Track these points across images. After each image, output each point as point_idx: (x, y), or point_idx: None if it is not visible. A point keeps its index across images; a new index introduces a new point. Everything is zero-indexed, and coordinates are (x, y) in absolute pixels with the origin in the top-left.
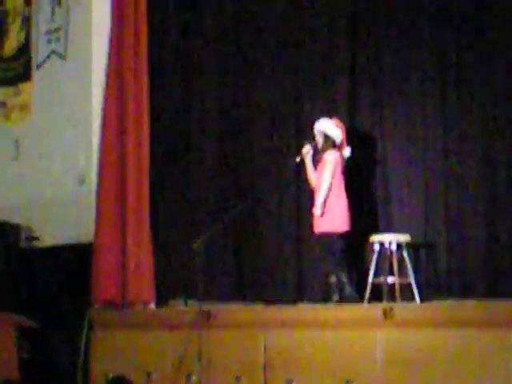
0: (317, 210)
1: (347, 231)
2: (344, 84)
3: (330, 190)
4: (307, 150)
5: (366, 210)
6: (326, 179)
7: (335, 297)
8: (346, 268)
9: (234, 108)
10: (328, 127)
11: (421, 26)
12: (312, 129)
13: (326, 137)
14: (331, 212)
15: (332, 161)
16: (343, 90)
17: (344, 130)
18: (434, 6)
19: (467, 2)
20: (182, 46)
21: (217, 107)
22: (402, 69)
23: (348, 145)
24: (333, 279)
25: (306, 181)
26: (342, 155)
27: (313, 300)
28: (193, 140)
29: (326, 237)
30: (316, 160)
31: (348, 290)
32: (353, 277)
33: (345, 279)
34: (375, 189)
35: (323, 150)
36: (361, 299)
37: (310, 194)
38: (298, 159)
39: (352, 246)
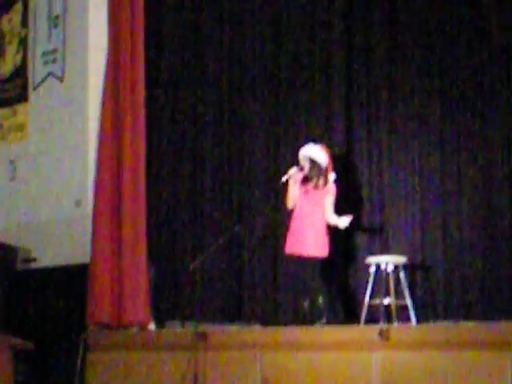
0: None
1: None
2: (339, 107)
3: (314, 212)
4: (294, 171)
5: (362, 232)
6: (331, 211)
7: (324, 319)
8: (324, 292)
9: (229, 127)
10: (315, 152)
11: (414, 41)
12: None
13: (312, 162)
14: (322, 235)
15: (334, 193)
16: (339, 109)
17: (328, 154)
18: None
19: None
20: (179, 65)
21: (213, 124)
22: (397, 89)
23: (333, 170)
24: (320, 301)
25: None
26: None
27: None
28: (190, 159)
29: (310, 260)
30: (304, 186)
31: (325, 314)
32: (347, 298)
33: (321, 302)
34: (372, 210)
35: (311, 175)
36: (353, 321)
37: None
38: (284, 179)
39: (347, 268)
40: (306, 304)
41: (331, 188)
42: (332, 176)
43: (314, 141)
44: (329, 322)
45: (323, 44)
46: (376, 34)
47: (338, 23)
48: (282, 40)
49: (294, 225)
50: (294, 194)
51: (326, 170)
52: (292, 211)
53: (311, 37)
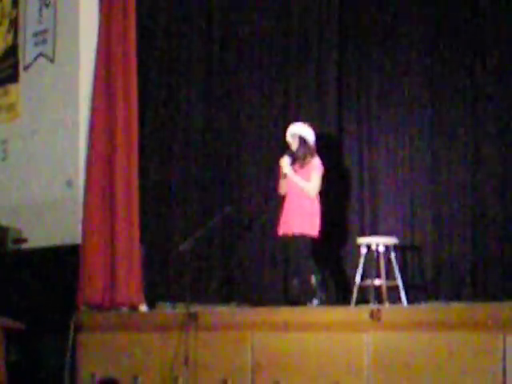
0: (312, 193)
1: (317, 236)
2: (331, 90)
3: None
4: (287, 162)
5: (353, 213)
6: (314, 184)
7: (316, 300)
8: (318, 271)
9: (220, 109)
10: (304, 131)
11: (408, 34)
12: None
13: (301, 140)
14: (305, 216)
15: (320, 168)
16: (331, 94)
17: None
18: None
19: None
20: (171, 45)
21: (204, 108)
22: (389, 75)
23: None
24: (313, 280)
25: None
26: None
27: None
28: (181, 141)
29: (299, 239)
30: (294, 165)
31: (317, 293)
32: (338, 279)
33: (314, 282)
34: (362, 191)
35: (299, 153)
36: (343, 302)
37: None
38: (286, 170)
39: (338, 249)
40: (295, 282)
41: (316, 164)
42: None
43: (304, 121)
44: (321, 303)
45: (315, 25)
46: (368, 16)
47: (332, 3)
48: (274, 22)
49: (285, 205)
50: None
51: (313, 149)
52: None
53: (303, 18)
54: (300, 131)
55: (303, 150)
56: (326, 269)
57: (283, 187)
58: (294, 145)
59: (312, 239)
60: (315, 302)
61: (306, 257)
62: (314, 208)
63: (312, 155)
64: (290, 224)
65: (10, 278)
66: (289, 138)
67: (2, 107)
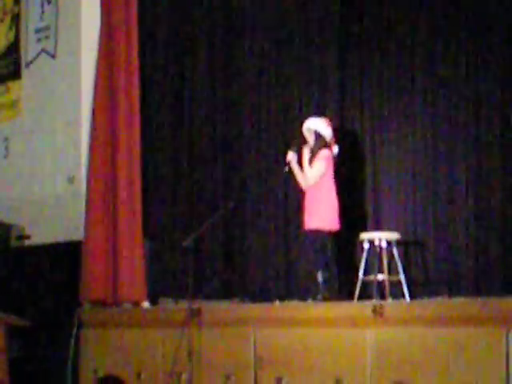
0: (310, 180)
1: (337, 230)
2: (333, 82)
3: (320, 186)
4: (291, 156)
5: (355, 208)
6: (316, 171)
7: (320, 295)
8: (331, 267)
9: (224, 104)
10: (320, 126)
11: (412, 25)
12: (301, 128)
13: (317, 135)
14: (323, 209)
15: (325, 156)
16: (333, 89)
17: (331, 127)
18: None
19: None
20: (173, 40)
21: (207, 101)
22: (391, 66)
23: (336, 143)
24: (320, 276)
25: (295, 183)
26: (332, 154)
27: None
28: (184, 136)
29: (316, 234)
30: (309, 159)
31: (321, 290)
32: (341, 275)
33: (321, 278)
34: (365, 187)
35: (315, 149)
36: (346, 297)
37: (300, 192)
38: (286, 169)
39: (342, 245)
40: (319, 277)
41: (323, 154)
42: (335, 149)
43: (313, 114)
44: (324, 299)
45: (316, 16)
46: (370, 8)
47: None
48: (274, 13)
49: (305, 201)
50: (301, 174)
51: (330, 144)
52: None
53: (303, 10)
54: (316, 127)
55: (318, 144)
56: (330, 264)
57: (302, 181)
58: (310, 139)
59: (330, 234)
60: (319, 297)
61: (320, 252)
62: (331, 202)
63: (319, 147)
64: (310, 219)
65: (14, 275)
66: (305, 132)
67: (3, 105)
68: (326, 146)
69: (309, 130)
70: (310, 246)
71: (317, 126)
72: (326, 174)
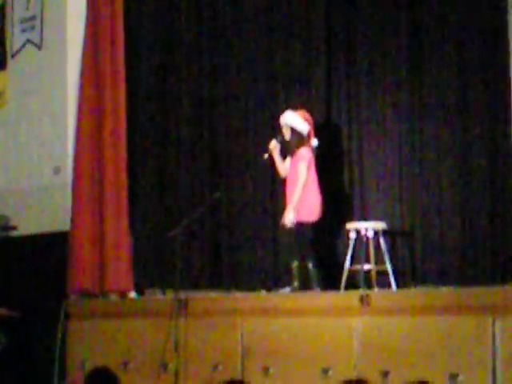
0: (289, 216)
1: (316, 221)
2: (320, 74)
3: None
4: (274, 145)
5: (342, 198)
6: (301, 178)
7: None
8: (311, 257)
9: (210, 96)
10: (294, 120)
11: (397, 16)
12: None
13: (293, 129)
14: (301, 203)
15: (306, 157)
16: (319, 81)
17: (311, 120)
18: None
19: None
20: (159, 31)
21: (193, 94)
22: (377, 59)
23: (315, 135)
24: (294, 267)
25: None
26: (311, 147)
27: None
28: (170, 128)
29: (297, 226)
30: (287, 152)
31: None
32: (328, 264)
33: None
34: (352, 177)
35: (292, 142)
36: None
37: (283, 183)
38: (265, 156)
39: (328, 234)
40: (310, 268)
41: (302, 153)
42: (314, 142)
43: (295, 108)
44: (295, 291)
45: (303, 11)
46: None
47: None
48: (261, 6)
49: (287, 194)
50: (282, 164)
51: (308, 137)
52: (285, 180)
53: (290, 4)
54: (291, 122)
55: (293, 139)
56: (318, 255)
57: (281, 171)
58: (286, 134)
59: (311, 225)
60: (287, 289)
61: (302, 244)
62: (313, 195)
63: (302, 144)
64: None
65: (0, 266)
66: (282, 126)
67: None
68: (303, 139)
69: (284, 124)
70: (288, 236)
71: (290, 120)
72: (308, 169)
